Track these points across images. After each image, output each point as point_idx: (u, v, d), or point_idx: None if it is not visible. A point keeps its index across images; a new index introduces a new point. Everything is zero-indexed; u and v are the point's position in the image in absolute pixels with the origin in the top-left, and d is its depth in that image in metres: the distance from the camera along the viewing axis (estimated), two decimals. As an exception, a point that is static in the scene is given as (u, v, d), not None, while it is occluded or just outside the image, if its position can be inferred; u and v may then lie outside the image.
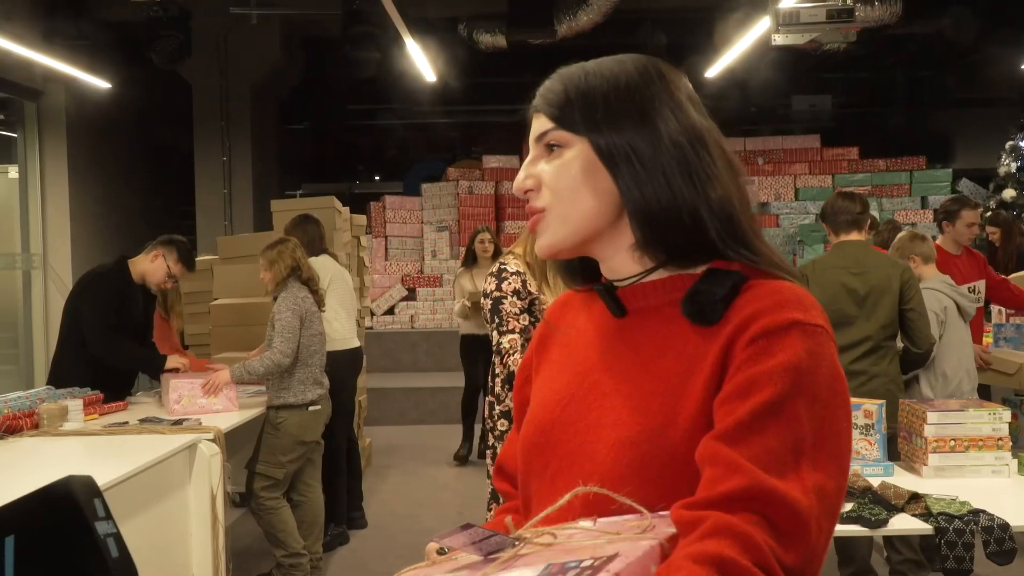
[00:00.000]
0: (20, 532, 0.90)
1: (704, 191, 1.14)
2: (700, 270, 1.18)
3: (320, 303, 4.93)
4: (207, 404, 4.66)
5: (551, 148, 1.21)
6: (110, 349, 4.75)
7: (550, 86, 1.23)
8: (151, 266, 4.88)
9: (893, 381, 4.31)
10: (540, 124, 1.22)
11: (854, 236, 4.43)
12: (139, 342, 5.05)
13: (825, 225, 4.59)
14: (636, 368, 1.17)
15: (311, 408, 4.81)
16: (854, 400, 3.14)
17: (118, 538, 0.90)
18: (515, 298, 3.64)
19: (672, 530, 0.99)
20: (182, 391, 4.67)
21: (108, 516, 0.92)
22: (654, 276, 1.20)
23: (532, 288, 3.68)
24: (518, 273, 3.67)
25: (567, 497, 1.06)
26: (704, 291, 1.13)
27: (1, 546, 0.90)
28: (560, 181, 1.19)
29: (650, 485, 1.08)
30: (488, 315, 3.65)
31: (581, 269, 1.31)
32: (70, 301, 4.92)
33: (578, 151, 1.19)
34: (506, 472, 1.45)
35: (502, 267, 3.70)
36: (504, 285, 3.65)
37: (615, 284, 1.24)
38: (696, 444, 1.06)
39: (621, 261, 1.22)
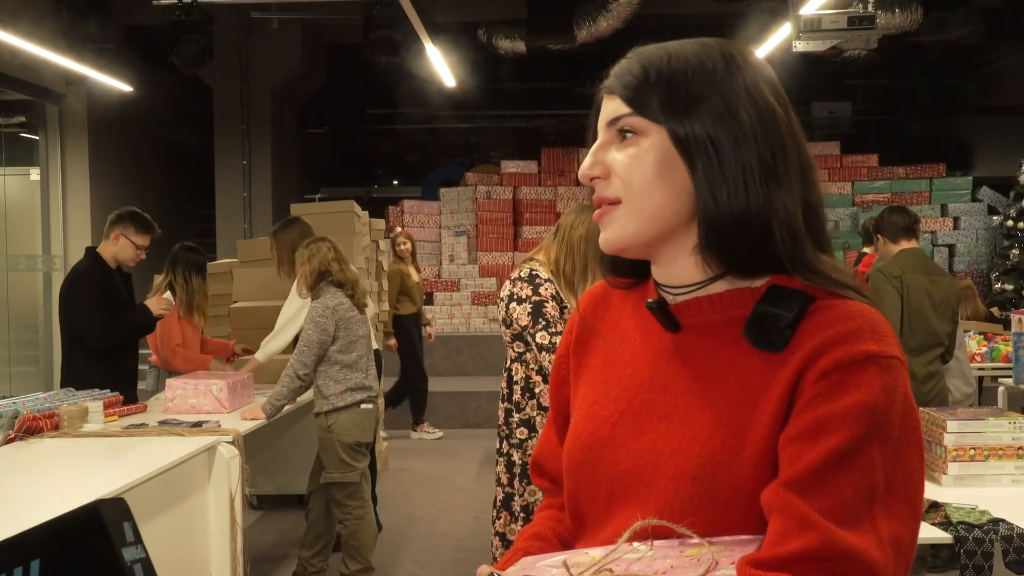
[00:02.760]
0: (45, 557, 0.90)
1: (775, 198, 1.07)
2: (760, 283, 1.10)
3: (360, 307, 4.74)
4: (197, 404, 4.66)
5: (624, 135, 1.12)
6: (111, 336, 4.77)
7: (627, 67, 1.13)
8: (117, 247, 4.87)
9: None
10: (614, 107, 1.13)
11: (913, 243, 4.68)
12: None
13: (880, 236, 4.79)
14: (694, 392, 1.10)
15: (363, 406, 4.69)
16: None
17: (147, 564, 0.89)
18: (554, 302, 3.62)
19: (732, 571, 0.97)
20: (176, 390, 4.70)
21: (137, 541, 0.90)
22: (712, 289, 1.12)
23: (562, 296, 3.67)
24: (550, 280, 3.66)
25: (627, 535, 1.02)
26: (769, 316, 1.05)
27: (27, 571, 0.90)
28: (634, 172, 1.10)
29: (712, 518, 1.03)
30: (528, 318, 3.59)
31: (626, 262, 1.22)
32: (62, 309, 4.91)
33: (654, 142, 1.10)
34: (546, 471, 1.36)
35: (533, 273, 3.67)
36: (541, 290, 3.62)
37: (668, 295, 1.16)
38: (762, 479, 1.02)
39: (682, 266, 1.13)
